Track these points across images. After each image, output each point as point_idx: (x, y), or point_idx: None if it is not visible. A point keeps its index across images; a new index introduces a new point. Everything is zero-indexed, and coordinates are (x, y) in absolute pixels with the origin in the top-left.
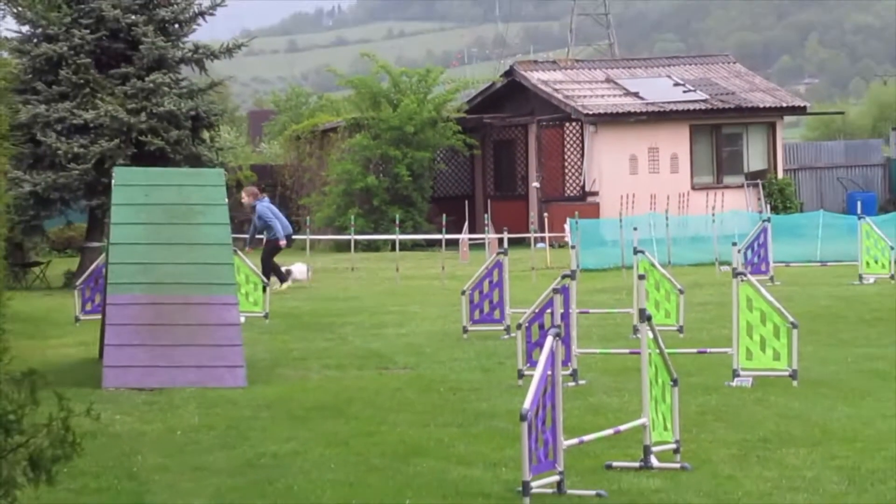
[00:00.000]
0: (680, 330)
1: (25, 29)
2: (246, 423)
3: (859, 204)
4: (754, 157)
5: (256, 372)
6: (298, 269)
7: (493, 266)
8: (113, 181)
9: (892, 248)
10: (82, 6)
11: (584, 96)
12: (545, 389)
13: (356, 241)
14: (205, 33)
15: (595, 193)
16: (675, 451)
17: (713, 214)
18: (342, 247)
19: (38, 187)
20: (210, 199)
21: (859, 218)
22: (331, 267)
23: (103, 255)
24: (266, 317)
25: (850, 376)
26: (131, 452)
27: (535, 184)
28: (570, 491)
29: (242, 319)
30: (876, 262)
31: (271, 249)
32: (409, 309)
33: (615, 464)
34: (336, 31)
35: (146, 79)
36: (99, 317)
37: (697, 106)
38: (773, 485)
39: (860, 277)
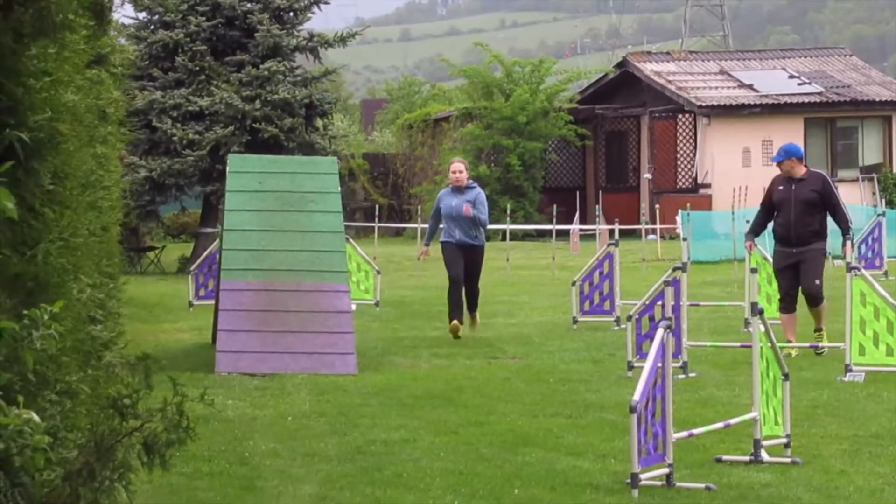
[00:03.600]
0: None
1: (142, 16)
2: (356, 410)
3: None
4: (869, 150)
5: (367, 359)
6: None
7: (603, 257)
8: (227, 168)
9: None
10: None
11: (698, 88)
12: (655, 381)
13: None
14: (319, 22)
15: (707, 186)
16: (786, 445)
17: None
18: None
19: (154, 173)
20: (323, 188)
21: None
22: (441, 256)
23: (217, 241)
24: (377, 305)
25: None
26: (243, 437)
27: (647, 175)
28: (678, 484)
29: (353, 307)
30: None
31: None
32: (519, 299)
33: (725, 457)
34: (449, 21)
35: (261, 66)
36: (212, 302)
37: (812, 99)
38: (885, 481)
39: None
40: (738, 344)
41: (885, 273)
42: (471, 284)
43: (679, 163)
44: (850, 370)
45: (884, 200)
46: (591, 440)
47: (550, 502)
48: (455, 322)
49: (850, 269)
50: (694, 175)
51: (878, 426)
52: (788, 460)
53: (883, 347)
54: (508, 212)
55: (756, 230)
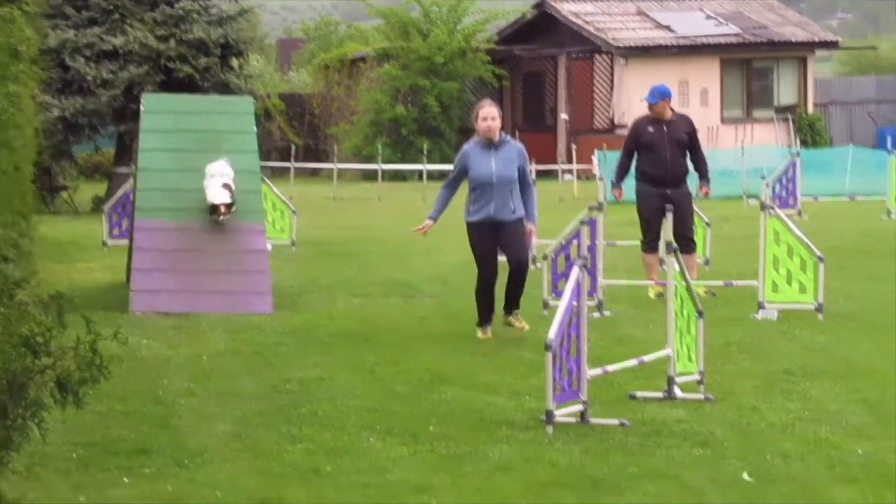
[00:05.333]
0: (707, 262)
1: None
2: (271, 350)
3: (889, 139)
4: (785, 91)
5: (283, 299)
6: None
7: None
8: (142, 108)
9: None
10: None
11: (615, 29)
12: (570, 320)
13: (383, 171)
14: None
15: (624, 126)
16: (699, 382)
17: (742, 148)
18: (369, 176)
19: (67, 112)
20: (238, 127)
21: (889, 153)
22: (358, 196)
23: (131, 180)
24: (293, 244)
25: (876, 311)
26: (157, 377)
27: (564, 116)
28: (593, 420)
29: (269, 247)
30: None
31: None
32: (435, 239)
33: (639, 394)
34: None
35: (175, 5)
36: (126, 242)
37: (729, 40)
38: (796, 416)
39: (888, 212)
40: (653, 282)
41: (799, 212)
42: (514, 272)
43: (596, 103)
44: (764, 308)
45: (798, 141)
46: (506, 378)
47: (466, 439)
48: (484, 332)
49: (764, 208)
50: (611, 115)
51: (790, 363)
52: (701, 397)
53: (796, 285)
54: (425, 152)
55: (621, 177)
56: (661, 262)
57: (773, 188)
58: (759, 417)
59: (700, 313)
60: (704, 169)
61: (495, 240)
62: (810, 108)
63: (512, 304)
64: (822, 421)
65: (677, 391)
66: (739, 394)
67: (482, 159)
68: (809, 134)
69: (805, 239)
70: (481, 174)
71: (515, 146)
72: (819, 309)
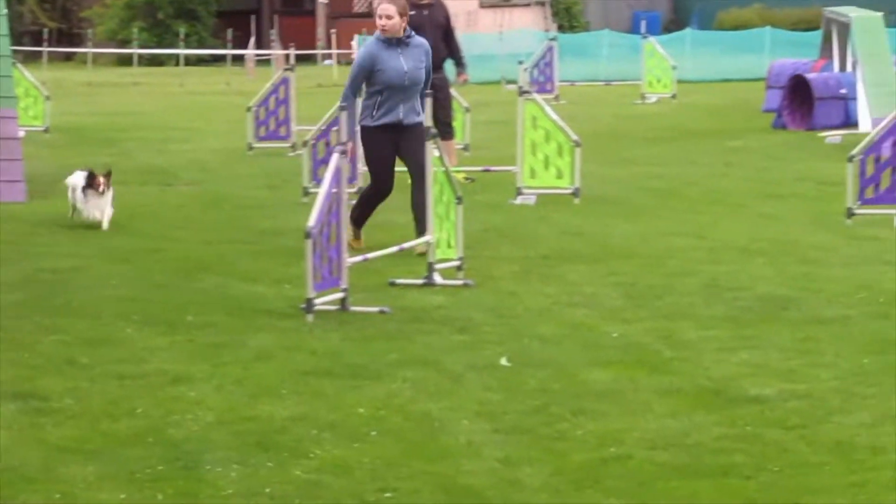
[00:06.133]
0: (466, 148)
1: None
2: (25, 239)
3: (643, 23)
4: None
5: (37, 187)
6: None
7: (279, 82)
8: None
9: (674, 68)
10: None
11: None
12: (330, 207)
13: (140, 56)
14: None
15: None
16: (459, 268)
17: (500, 33)
18: (125, 61)
19: None
20: None
21: (643, 37)
22: (114, 81)
23: None
24: (46, 131)
25: (631, 194)
26: None
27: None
28: (353, 308)
29: (22, 133)
30: (658, 81)
31: None
32: (194, 125)
33: (399, 281)
34: None
35: None
36: None
37: None
38: (554, 300)
39: (643, 97)
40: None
41: (557, 97)
42: (420, 180)
43: None
44: (522, 193)
45: (556, 25)
46: (266, 266)
47: (225, 328)
48: (360, 241)
49: (521, 93)
50: None
51: (546, 248)
52: (461, 282)
53: (553, 170)
54: (182, 36)
55: None
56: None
57: (531, 73)
58: (518, 302)
59: (459, 199)
60: (460, 54)
61: (396, 148)
62: None
63: (423, 223)
64: (578, 304)
65: (437, 277)
66: (498, 279)
67: (391, 60)
68: (566, 18)
69: (562, 123)
70: (392, 76)
71: (422, 42)
72: (576, 193)
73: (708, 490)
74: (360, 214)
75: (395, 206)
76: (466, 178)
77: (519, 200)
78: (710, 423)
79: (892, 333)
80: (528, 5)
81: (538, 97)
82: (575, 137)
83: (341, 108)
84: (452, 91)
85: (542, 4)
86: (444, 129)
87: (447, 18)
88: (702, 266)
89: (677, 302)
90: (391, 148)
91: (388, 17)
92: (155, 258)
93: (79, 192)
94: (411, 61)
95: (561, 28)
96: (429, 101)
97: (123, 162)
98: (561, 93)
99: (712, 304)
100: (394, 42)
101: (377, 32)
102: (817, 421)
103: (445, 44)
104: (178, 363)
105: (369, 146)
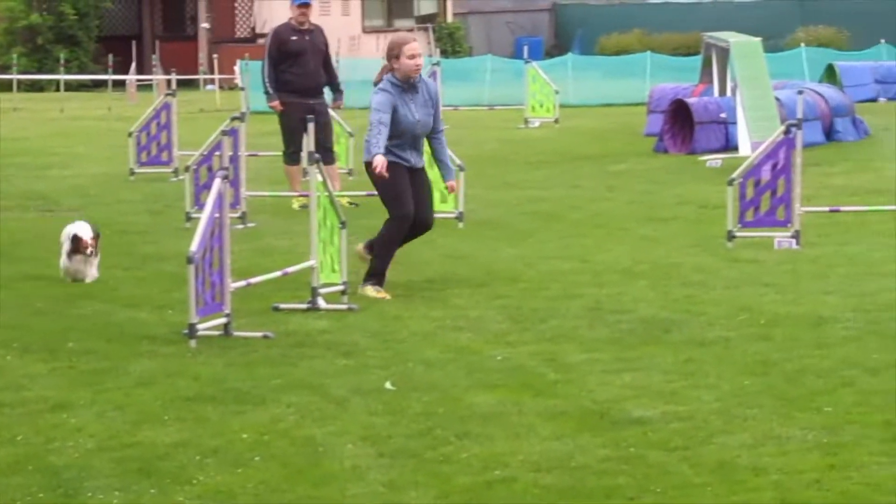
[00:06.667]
0: (350, 173)
1: None
2: None
3: (526, 48)
4: (425, 1)
5: None
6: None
7: (161, 107)
8: None
9: (556, 93)
10: None
11: None
12: (213, 232)
13: (19, 81)
14: None
15: (265, 35)
16: (343, 292)
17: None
18: (4, 87)
19: None
20: None
21: (526, 62)
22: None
23: None
24: None
25: (515, 218)
26: None
27: (205, 24)
28: (237, 333)
29: None
30: (541, 106)
31: None
32: (75, 150)
33: (282, 306)
34: None
35: None
36: None
37: None
38: (438, 324)
39: (526, 121)
40: (297, 193)
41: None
42: (420, 229)
43: (237, 12)
44: None
45: (439, 50)
46: (148, 292)
47: (106, 355)
48: (381, 292)
49: None
50: (252, 25)
51: (431, 272)
52: (345, 307)
53: (437, 195)
54: (62, 62)
55: (277, 87)
56: (305, 173)
57: None
58: (402, 326)
59: (343, 224)
60: (337, 81)
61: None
62: (450, 18)
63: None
64: (463, 328)
65: (321, 302)
66: (383, 303)
67: (404, 106)
68: (450, 43)
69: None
70: (406, 124)
71: (432, 85)
72: (460, 217)
73: None
74: (388, 262)
75: (279, 230)
76: (350, 203)
77: None
78: (595, 445)
79: (772, 355)
80: (411, 30)
81: None
82: (458, 161)
83: (373, 155)
84: (335, 115)
85: (426, 30)
86: (326, 153)
87: (326, 45)
88: (585, 289)
89: (561, 325)
90: (408, 177)
91: (421, 56)
92: (36, 285)
93: None
94: (422, 108)
95: (444, 53)
96: (311, 127)
97: (3, 188)
98: (444, 117)
99: (596, 326)
100: (408, 86)
101: (389, 75)
102: (699, 442)
103: (325, 69)
104: (59, 390)
105: (386, 175)
